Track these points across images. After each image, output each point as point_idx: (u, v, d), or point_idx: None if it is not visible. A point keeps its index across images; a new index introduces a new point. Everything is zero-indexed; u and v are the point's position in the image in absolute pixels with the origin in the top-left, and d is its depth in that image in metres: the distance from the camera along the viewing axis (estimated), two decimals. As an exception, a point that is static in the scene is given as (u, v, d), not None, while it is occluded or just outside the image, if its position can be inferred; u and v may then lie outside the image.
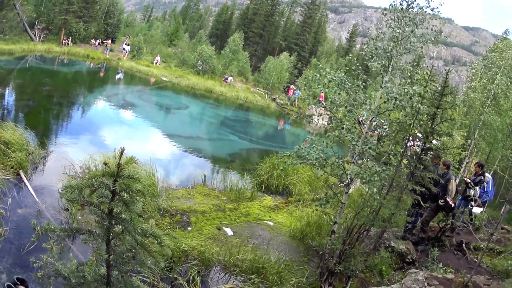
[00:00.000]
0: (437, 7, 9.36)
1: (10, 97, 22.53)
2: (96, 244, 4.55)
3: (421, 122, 9.38)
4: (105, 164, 4.55)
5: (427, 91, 9.25)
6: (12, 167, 10.89)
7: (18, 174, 10.81)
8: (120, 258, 4.81)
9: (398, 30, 9.33)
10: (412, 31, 9.32)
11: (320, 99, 35.90)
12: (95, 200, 4.63)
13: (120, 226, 4.70)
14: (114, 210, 4.57)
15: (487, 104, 19.93)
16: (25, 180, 10.64)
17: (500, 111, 20.33)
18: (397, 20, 9.46)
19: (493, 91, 20.08)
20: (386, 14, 9.70)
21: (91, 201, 4.61)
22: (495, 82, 20.41)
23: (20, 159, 11.14)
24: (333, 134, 9.45)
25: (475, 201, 12.45)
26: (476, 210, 12.37)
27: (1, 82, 25.68)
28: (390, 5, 9.58)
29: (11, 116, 17.45)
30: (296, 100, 52.30)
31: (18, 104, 21.12)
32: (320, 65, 9.64)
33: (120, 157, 4.52)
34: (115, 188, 4.43)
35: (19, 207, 9.40)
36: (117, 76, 44.78)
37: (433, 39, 9.37)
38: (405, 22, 9.36)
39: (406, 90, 8.80)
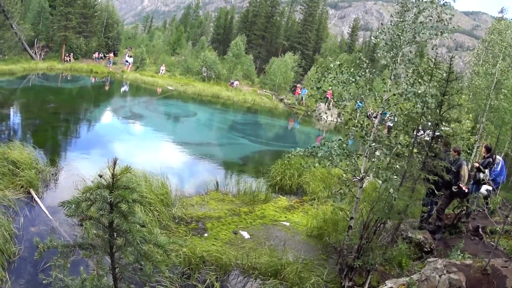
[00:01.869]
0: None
1: (16, 116, 22.76)
2: (97, 257, 4.56)
3: (429, 111, 9.32)
4: (100, 176, 4.55)
5: (436, 86, 9.20)
6: (22, 186, 10.96)
7: (29, 193, 10.87)
8: (126, 271, 4.80)
9: (407, 19, 9.31)
10: (421, 22, 9.28)
11: (328, 96, 35.67)
12: (94, 214, 4.63)
13: (122, 238, 4.70)
14: (114, 222, 4.56)
15: (492, 88, 19.74)
16: (37, 198, 10.70)
17: (506, 94, 20.13)
18: (404, 8, 9.44)
19: (496, 74, 19.89)
20: (395, 4, 9.67)
21: (90, 215, 4.60)
22: (498, 65, 20.21)
23: (30, 177, 11.22)
24: (353, 128, 9.48)
25: (487, 183, 12.32)
26: (483, 189, 12.24)
27: (5, 103, 25.90)
28: None
29: (19, 135, 17.65)
30: (304, 99, 52.25)
31: (25, 123, 21.31)
32: (323, 65, 9.64)
33: (114, 168, 4.50)
34: (111, 199, 4.41)
35: (32, 225, 9.46)
36: (122, 89, 45.05)
37: (442, 32, 9.33)
38: (414, 13, 9.33)
39: (415, 89, 8.78)
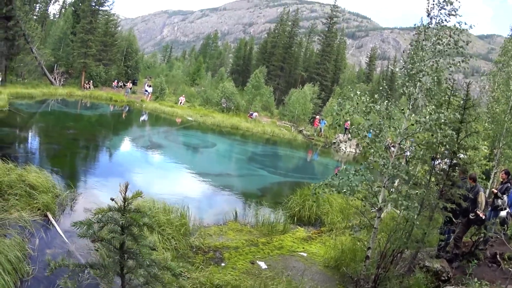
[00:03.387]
0: (460, 21, 9.40)
1: (34, 140, 23.16)
2: (107, 278, 4.62)
3: (447, 138, 9.33)
4: (112, 200, 4.66)
5: (455, 114, 9.24)
6: (39, 209, 11.09)
7: (46, 216, 11.00)
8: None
9: (425, 50, 9.40)
10: (439, 51, 9.36)
11: (346, 126, 35.73)
12: (106, 235, 4.71)
13: (133, 260, 4.77)
14: (125, 244, 4.64)
15: (508, 111, 19.41)
16: (53, 221, 10.82)
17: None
18: (422, 37, 9.54)
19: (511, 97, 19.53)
20: (419, 33, 9.77)
21: (102, 237, 4.69)
22: (507, 87, 19.83)
23: (47, 201, 11.38)
24: (372, 159, 9.51)
25: (504, 209, 12.19)
26: (502, 214, 12.09)
27: (24, 126, 26.41)
28: (421, 24, 9.66)
29: (37, 159, 17.88)
30: (322, 130, 52.33)
31: (44, 147, 21.77)
32: (343, 95, 9.73)
33: (125, 192, 4.62)
34: (123, 222, 4.50)
35: (47, 247, 9.55)
36: (142, 118, 45.67)
37: (461, 61, 9.40)
38: (433, 42, 9.42)
39: (437, 116, 8.81)
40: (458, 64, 9.35)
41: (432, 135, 9.26)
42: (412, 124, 9.43)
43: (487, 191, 16.12)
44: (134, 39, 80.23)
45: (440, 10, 9.43)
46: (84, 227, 4.56)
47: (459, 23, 9.38)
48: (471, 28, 9.57)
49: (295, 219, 15.86)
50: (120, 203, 4.61)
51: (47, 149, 21.43)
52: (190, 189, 18.96)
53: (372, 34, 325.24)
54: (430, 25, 9.53)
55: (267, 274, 10.35)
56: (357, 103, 9.48)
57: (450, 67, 9.47)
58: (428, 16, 9.56)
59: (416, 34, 9.86)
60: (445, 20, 9.41)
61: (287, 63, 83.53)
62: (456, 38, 9.36)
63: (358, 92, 9.70)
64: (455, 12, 9.38)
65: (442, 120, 8.75)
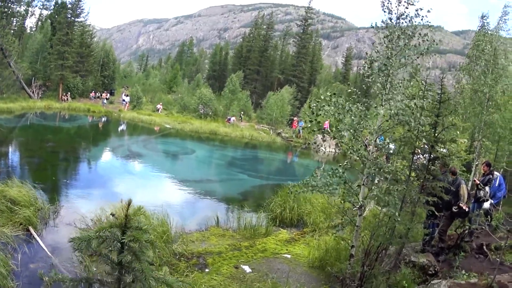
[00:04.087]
0: (426, 16, 9.44)
1: (14, 155, 22.93)
2: None
3: (424, 133, 9.34)
4: (112, 215, 4.57)
5: (429, 101, 9.25)
6: (21, 224, 10.92)
7: (28, 230, 10.83)
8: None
9: (391, 46, 9.41)
10: (405, 44, 9.39)
11: (325, 126, 35.88)
12: (104, 251, 4.62)
13: (131, 275, 4.68)
14: (123, 260, 4.55)
15: (485, 104, 19.66)
16: (35, 236, 10.66)
17: (498, 107, 20.00)
18: (389, 36, 9.54)
19: (485, 89, 19.74)
20: (378, 32, 9.79)
21: (100, 252, 4.61)
22: (484, 81, 20.02)
23: (28, 215, 11.19)
24: (345, 161, 9.51)
25: (487, 201, 12.28)
26: (486, 205, 12.19)
27: (3, 141, 26.10)
28: (381, 21, 9.67)
29: (17, 173, 17.53)
30: (301, 131, 52.45)
31: (23, 161, 21.48)
32: (315, 97, 9.71)
33: (128, 209, 4.52)
34: (123, 239, 4.42)
35: (31, 262, 9.40)
36: (120, 128, 45.47)
37: (426, 48, 9.44)
38: (397, 36, 9.43)
39: (406, 103, 8.83)
40: (424, 53, 9.40)
41: (409, 130, 9.28)
42: (387, 120, 9.43)
43: (469, 183, 16.25)
44: (111, 49, 79.74)
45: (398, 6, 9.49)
46: (84, 243, 4.45)
47: (421, 18, 9.45)
48: (427, 22, 9.62)
49: (278, 221, 15.80)
50: (121, 219, 4.52)
51: (28, 163, 21.15)
52: (171, 196, 18.83)
53: (347, 34, 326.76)
54: (391, 21, 9.56)
55: (252, 278, 10.27)
56: (330, 106, 9.44)
57: (417, 58, 9.52)
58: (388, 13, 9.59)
59: (377, 32, 9.87)
60: (407, 15, 9.47)
61: (263, 67, 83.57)
62: (425, 32, 9.42)
63: (328, 94, 9.67)
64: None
65: (412, 106, 8.76)
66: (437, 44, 9.78)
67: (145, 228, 4.64)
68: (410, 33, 9.44)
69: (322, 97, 9.61)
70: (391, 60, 9.32)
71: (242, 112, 61.34)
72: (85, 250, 4.52)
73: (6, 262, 8.53)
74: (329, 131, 10.26)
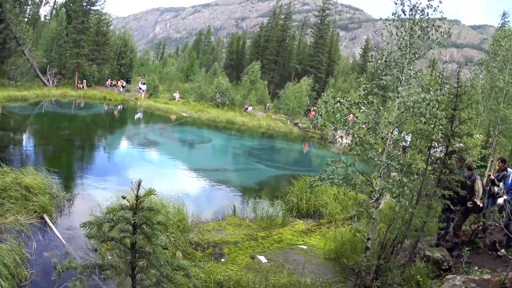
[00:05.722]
0: (438, 6, 9.35)
1: (29, 142, 23.08)
2: (118, 279, 4.54)
3: (441, 127, 9.29)
4: (123, 198, 4.57)
5: (444, 94, 9.19)
6: (35, 211, 11.02)
7: (42, 218, 10.92)
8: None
9: (405, 38, 9.36)
10: (418, 36, 9.34)
11: (349, 118, 35.65)
12: (116, 235, 4.62)
13: (145, 259, 4.69)
14: (137, 243, 4.55)
15: (502, 100, 19.38)
16: (50, 223, 10.75)
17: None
18: (401, 28, 9.50)
19: (503, 85, 19.46)
20: (389, 24, 9.75)
21: (112, 236, 4.60)
22: (502, 77, 19.72)
23: (43, 202, 11.29)
24: (354, 152, 9.46)
25: (501, 197, 12.16)
26: (500, 201, 12.08)
27: (18, 129, 26.32)
28: (393, 13, 9.61)
29: (32, 161, 17.67)
30: (318, 122, 52.12)
31: (39, 149, 21.71)
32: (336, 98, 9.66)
33: (138, 190, 4.52)
34: (135, 221, 4.41)
35: (45, 250, 9.49)
36: (136, 116, 45.67)
37: (438, 40, 9.38)
38: (410, 28, 9.38)
39: (422, 96, 8.78)
40: (436, 42, 9.35)
41: (425, 122, 9.22)
42: (402, 112, 9.39)
43: (484, 178, 16.11)
44: (129, 38, 79.86)
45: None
46: (94, 228, 4.48)
47: (433, 9, 9.38)
48: (441, 13, 9.52)
49: (294, 212, 15.76)
50: (132, 201, 4.53)
51: (43, 151, 21.38)
52: (187, 185, 18.91)
53: (365, 25, 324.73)
54: (404, 13, 9.51)
55: (268, 268, 10.33)
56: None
57: (429, 49, 9.47)
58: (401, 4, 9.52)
59: (388, 24, 9.82)
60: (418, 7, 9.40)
61: (280, 57, 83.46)
62: (431, 23, 9.37)
63: (338, 99, 9.64)
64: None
65: (427, 98, 8.70)
66: (449, 37, 9.69)
67: (157, 209, 4.64)
68: (424, 25, 9.37)
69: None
70: (404, 51, 9.28)
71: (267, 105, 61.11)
72: (97, 235, 4.52)
73: (19, 250, 8.60)
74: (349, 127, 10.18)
